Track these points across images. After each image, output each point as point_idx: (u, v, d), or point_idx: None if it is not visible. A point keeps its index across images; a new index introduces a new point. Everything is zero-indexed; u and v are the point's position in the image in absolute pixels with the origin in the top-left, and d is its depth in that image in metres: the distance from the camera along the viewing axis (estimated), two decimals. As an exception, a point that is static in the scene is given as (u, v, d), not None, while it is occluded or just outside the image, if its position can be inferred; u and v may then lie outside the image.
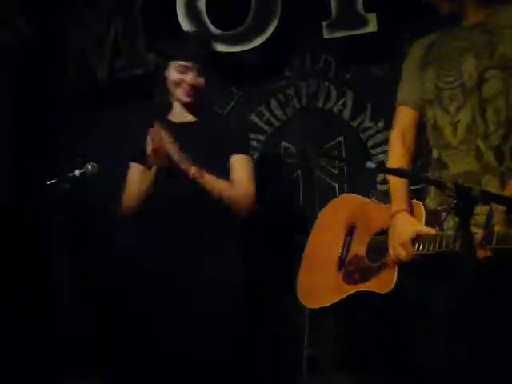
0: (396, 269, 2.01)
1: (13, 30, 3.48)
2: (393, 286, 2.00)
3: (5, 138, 3.55)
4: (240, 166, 2.57)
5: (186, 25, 3.20)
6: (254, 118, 3.28)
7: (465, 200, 1.50)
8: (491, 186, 1.89)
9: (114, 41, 3.44)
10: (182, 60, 2.54)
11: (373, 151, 3.07)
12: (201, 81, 2.57)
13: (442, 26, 2.10)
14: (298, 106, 3.22)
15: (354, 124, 3.12)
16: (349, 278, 2.21)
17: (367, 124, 3.09)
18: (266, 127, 3.26)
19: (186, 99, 2.58)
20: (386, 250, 2.05)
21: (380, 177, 2.98)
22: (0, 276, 3.17)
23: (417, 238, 1.94)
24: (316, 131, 3.13)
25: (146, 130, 2.56)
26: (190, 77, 2.55)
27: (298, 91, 3.21)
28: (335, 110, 3.14)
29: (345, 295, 2.19)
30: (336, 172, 3.11)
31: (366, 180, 3.01)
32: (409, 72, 2.17)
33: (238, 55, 3.16)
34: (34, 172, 3.31)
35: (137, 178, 2.60)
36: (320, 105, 3.17)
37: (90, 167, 2.34)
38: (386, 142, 3.04)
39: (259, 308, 2.97)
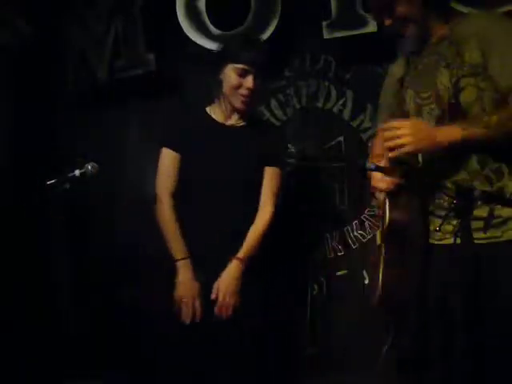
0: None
1: (13, 30, 3.48)
2: None
3: (5, 138, 3.55)
4: (267, 181, 2.57)
5: (185, 25, 3.21)
6: (254, 117, 3.28)
7: (465, 200, 1.50)
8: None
9: (114, 41, 3.44)
10: (243, 63, 2.46)
11: (373, 151, 3.08)
12: (257, 85, 2.50)
13: None
14: (298, 106, 3.22)
15: (354, 124, 3.12)
16: None
17: (367, 124, 3.09)
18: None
19: (242, 106, 2.52)
20: None
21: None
22: (0, 276, 3.17)
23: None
24: (316, 131, 3.14)
25: (181, 120, 2.59)
26: (249, 81, 2.48)
27: (298, 91, 3.21)
28: (335, 109, 3.14)
29: None
30: (336, 172, 3.12)
31: (365, 180, 3.01)
32: (386, 96, 2.26)
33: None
34: (34, 172, 3.30)
35: (170, 163, 2.56)
36: (320, 105, 3.17)
37: (89, 167, 2.34)
38: (385, 141, 3.05)
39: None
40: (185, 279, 2.45)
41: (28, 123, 3.56)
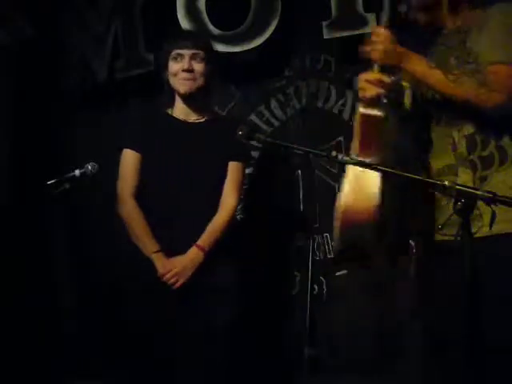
0: None
1: (13, 29, 3.48)
2: None
3: (5, 138, 3.55)
4: (230, 175, 2.61)
5: (185, 25, 3.21)
6: (253, 118, 3.28)
7: (469, 200, 1.51)
8: (464, 177, 1.94)
9: (114, 41, 3.44)
10: (176, 48, 2.55)
11: (373, 151, 3.08)
12: (197, 66, 2.55)
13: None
14: (298, 106, 3.22)
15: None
16: None
17: (367, 124, 3.09)
18: (265, 127, 3.26)
19: (185, 88, 2.56)
20: None
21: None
22: (0, 276, 3.17)
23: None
24: (316, 131, 3.13)
25: (142, 120, 2.64)
26: (184, 63, 2.54)
27: (298, 91, 3.21)
28: (335, 110, 3.14)
29: None
30: (336, 172, 3.12)
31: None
32: None
33: (238, 55, 3.16)
34: (34, 172, 3.31)
35: (132, 164, 2.59)
36: (320, 105, 3.17)
37: (89, 167, 2.34)
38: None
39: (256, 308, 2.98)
40: (162, 265, 2.48)
41: (28, 123, 3.56)
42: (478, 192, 1.52)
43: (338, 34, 2.97)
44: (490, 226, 1.81)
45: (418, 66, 1.97)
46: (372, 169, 1.70)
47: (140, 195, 2.58)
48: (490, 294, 1.83)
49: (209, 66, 2.58)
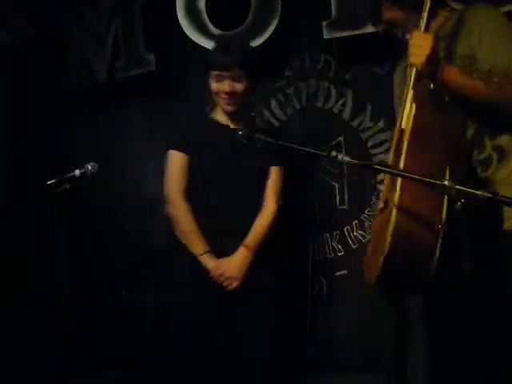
0: None
1: (13, 29, 3.48)
2: None
3: (5, 138, 3.55)
4: (271, 180, 2.67)
5: (185, 25, 3.21)
6: (253, 118, 3.28)
7: (470, 201, 1.50)
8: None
9: (114, 41, 3.44)
10: (216, 69, 2.55)
11: (373, 151, 3.08)
12: (238, 86, 2.56)
13: None
14: (298, 106, 3.22)
15: (354, 124, 3.12)
16: None
17: (367, 124, 3.09)
18: (265, 127, 3.26)
19: (228, 108, 2.61)
20: None
21: (382, 176, 2.97)
22: (0, 276, 3.17)
23: None
24: (316, 131, 3.13)
25: (188, 123, 2.70)
26: (225, 85, 2.55)
27: (298, 91, 3.21)
28: (335, 110, 3.14)
29: None
30: (336, 172, 3.12)
31: (366, 180, 3.02)
32: (396, 103, 2.26)
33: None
34: (34, 172, 3.31)
35: (179, 165, 2.63)
36: (320, 105, 3.17)
37: (89, 167, 2.34)
38: (385, 142, 3.05)
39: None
40: (214, 267, 2.52)
41: (28, 123, 3.56)
42: (478, 192, 1.52)
43: (338, 34, 2.96)
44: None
45: (454, 76, 1.87)
46: (372, 169, 1.69)
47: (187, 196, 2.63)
48: None
49: (249, 80, 2.59)
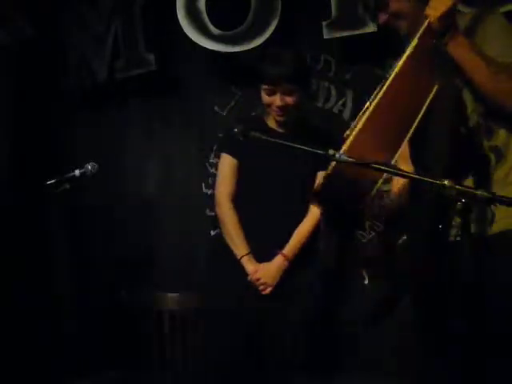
0: None
1: (13, 29, 3.48)
2: None
3: (5, 138, 3.56)
4: None
5: (185, 25, 3.20)
6: (254, 118, 3.28)
7: (470, 201, 1.50)
8: None
9: (114, 41, 3.44)
10: (267, 84, 2.55)
11: (373, 151, 3.07)
12: (289, 100, 2.56)
13: None
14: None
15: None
16: None
17: (367, 124, 3.09)
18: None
19: (280, 119, 2.62)
20: None
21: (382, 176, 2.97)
22: (0, 276, 3.17)
23: None
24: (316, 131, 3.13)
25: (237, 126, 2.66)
26: (277, 99, 2.55)
27: (298, 91, 3.20)
28: (335, 109, 3.14)
29: None
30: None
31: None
32: None
33: (238, 55, 3.16)
34: (34, 172, 3.31)
35: (230, 169, 2.68)
36: (320, 105, 3.17)
37: (89, 167, 2.34)
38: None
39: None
40: (252, 270, 2.58)
41: (28, 123, 3.56)
42: (478, 192, 1.52)
43: (337, 34, 2.96)
44: (490, 224, 1.81)
45: (461, 46, 1.84)
46: (372, 168, 1.69)
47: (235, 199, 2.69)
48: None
49: (300, 92, 2.58)
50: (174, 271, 3.35)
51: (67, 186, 2.26)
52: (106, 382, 3.02)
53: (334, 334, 2.90)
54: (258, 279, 2.56)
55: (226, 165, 2.68)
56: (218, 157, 2.78)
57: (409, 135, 1.78)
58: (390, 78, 1.77)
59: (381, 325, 2.28)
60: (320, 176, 1.94)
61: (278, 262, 2.58)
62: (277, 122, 2.65)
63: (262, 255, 2.60)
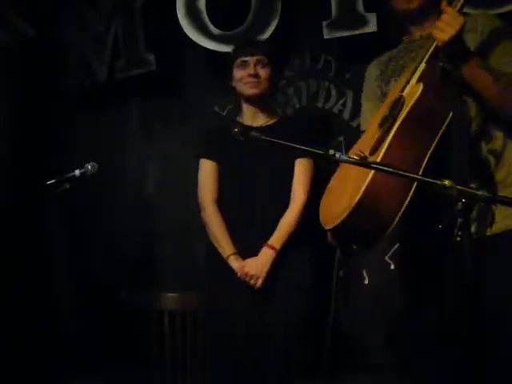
0: None
1: (13, 29, 3.48)
2: None
3: (5, 138, 3.55)
4: (298, 172, 2.71)
5: (185, 24, 3.20)
6: (254, 117, 3.28)
7: (470, 201, 1.50)
8: None
9: (114, 41, 3.44)
10: (241, 56, 2.68)
11: (373, 151, 3.07)
12: (263, 72, 2.68)
13: None
14: (297, 106, 3.21)
15: (354, 124, 3.11)
16: None
17: (367, 124, 3.09)
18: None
19: (252, 91, 2.69)
20: None
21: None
22: (0, 276, 3.17)
23: None
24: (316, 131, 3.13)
25: (215, 130, 2.80)
26: (250, 69, 2.67)
27: (298, 91, 3.21)
28: (335, 109, 3.14)
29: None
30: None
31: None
32: (368, 98, 2.22)
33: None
34: (34, 172, 3.31)
35: (209, 173, 2.75)
36: (320, 105, 3.17)
37: (89, 167, 2.34)
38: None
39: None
40: (239, 267, 2.62)
41: (28, 123, 3.56)
42: (478, 192, 1.52)
43: (338, 34, 2.96)
44: (490, 225, 1.81)
45: (473, 67, 1.83)
46: (371, 168, 1.69)
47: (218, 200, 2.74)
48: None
49: (272, 71, 2.71)
50: (174, 271, 3.35)
51: (67, 186, 2.26)
52: (106, 382, 3.01)
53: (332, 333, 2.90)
54: (246, 273, 2.58)
55: (206, 169, 2.76)
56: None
57: (431, 150, 1.80)
58: (413, 99, 1.80)
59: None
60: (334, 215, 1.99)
61: (263, 254, 2.61)
62: (250, 100, 2.71)
63: (251, 255, 2.62)
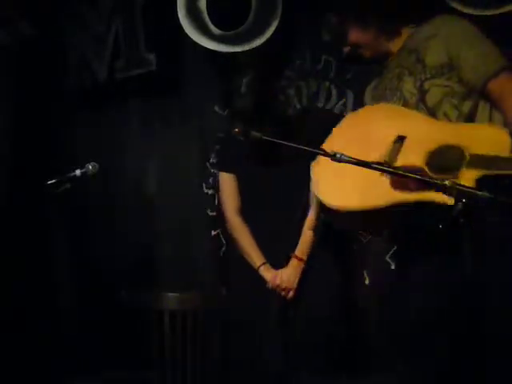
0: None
1: (13, 29, 3.48)
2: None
3: (5, 138, 3.55)
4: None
5: (186, 24, 3.20)
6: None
7: (470, 201, 1.51)
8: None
9: (115, 41, 3.44)
10: None
11: (373, 151, 3.07)
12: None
13: None
14: (298, 106, 3.21)
15: (355, 124, 3.12)
16: (401, 185, 1.88)
17: (367, 124, 3.09)
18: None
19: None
20: (451, 165, 1.85)
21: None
22: (0, 276, 3.17)
23: None
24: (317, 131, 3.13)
25: (231, 141, 2.77)
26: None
27: (299, 91, 3.21)
28: (336, 110, 3.14)
29: (397, 201, 1.87)
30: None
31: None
32: None
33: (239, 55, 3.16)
34: (34, 172, 3.31)
35: (229, 184, 2.78)
36: (321, 105, 3.17)
37: (90, 167, 2.34)
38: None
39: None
40: (271, 278, 2.65)
41: (28, 123, 3.56)
42: (479, 192, 1.52)
43: (338, 34, 2.96)
44: None
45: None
46: (371, 167, 1.69)
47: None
48: None
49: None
50: (174, 271, 3.35)
51: (68, 186, 2.26)
52: (106, 382, 3.01)
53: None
54: (278, 285, 2.62)
55: (226, 181, 2.78)
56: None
57: None
58: None
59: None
60: None
61: (293, 265, 2.64)
62: None
63: (277, 262, 2.65)
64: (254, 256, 2.68)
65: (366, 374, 2.77)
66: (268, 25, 3.08)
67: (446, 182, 1.55)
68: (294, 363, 2.58)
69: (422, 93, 2.01)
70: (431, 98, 2.00)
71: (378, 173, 1.81)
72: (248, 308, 2.64)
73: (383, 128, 2.00)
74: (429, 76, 2.00)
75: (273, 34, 3.07)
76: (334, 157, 1.63)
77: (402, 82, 2.07)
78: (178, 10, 3.22)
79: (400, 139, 1.96)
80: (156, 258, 3.43)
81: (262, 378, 2.58)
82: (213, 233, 3.30)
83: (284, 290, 2.62)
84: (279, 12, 3.06)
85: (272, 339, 2.60)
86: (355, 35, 2.11)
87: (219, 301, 2.87)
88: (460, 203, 1.53)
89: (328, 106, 3.15)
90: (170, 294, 2.95)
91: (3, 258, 3.21)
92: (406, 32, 2.13)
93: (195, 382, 2.83)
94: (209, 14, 3.19)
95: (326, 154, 1.65)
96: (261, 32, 3.08)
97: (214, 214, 3.32)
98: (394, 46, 2.14)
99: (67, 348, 3.31)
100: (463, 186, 1.56)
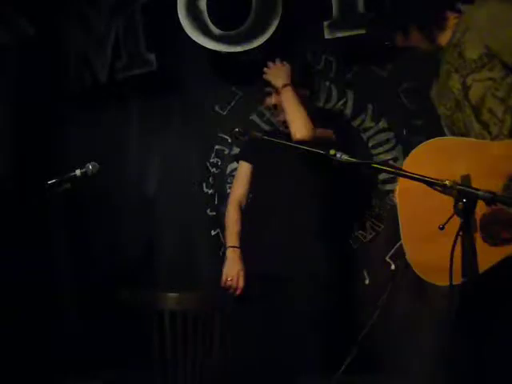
0: None
1: (14, 29, 3.48)
2: None
3: (5, 138, 3.55)
4: None
5: (186, 24, 3.20)
6: (254, 117, 3.28)
7: (470, 201, 1.50)
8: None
9: (115, 41, 3.44)
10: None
11: (373, 151, 3.08)
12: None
13: None
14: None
15: (355, 124, 3.12)
16: (492, 238, 1.77)
17: (368, 124, 3.09)
18: (266, 127, 3.26)
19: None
20: None
21: (383, 176, 2.98)
22: (0, 276, 3.17)
23: None
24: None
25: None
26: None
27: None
28: (336, 110, 3.14)
29: (496, 260, 1.75)
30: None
31: (367, 179, 3.02)
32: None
33: (239, 55, 3.16)
34: (34, 172, 3.31)
35: (243, 173, 2.87)
36: (321, 105, 3.17)
37: (90, 167, 2.33)
38: (386, 141, 3.05)
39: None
40: (230, 261, 2.74)
41: (28, 123, 3.56)
42: (479, 192, 1.52)
43: (338, 34, 2.97)
44: None
45: None
46: (371, 167, 1.69)
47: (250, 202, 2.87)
48: None
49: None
50: (174, 271, 3.35)
51: (68, 186, 2.26)
52: (106, 382, 3.01)
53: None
54: (225, 282, 2.73)
55: (241, 170, 2.88)
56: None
57: None
58: None
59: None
60: None
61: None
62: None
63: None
64: (230, 237, 2.78)
65: (366, 374, 2.78)
66: (268, 24, 3.08)
67: (446, 182, 1.55)
68: (293, 363, 2.58)
69: (466, 89, 1.97)
70: (474, 95, 1.95)
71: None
72: (248, 308, 2.64)
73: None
74: (469, 71, 1.95)
75: (273, 34, 3.07)
76: (334, 157, 1.63)
77: (451, 78, 2.02)
78: (178, 10, 3.22)
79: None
80: (156, 258, 3.43)
81: (262, 377, 2.58)
82: (213, 233, 3.30)
83: (230, 287, 2.71)
84: (279, 12, 3.06)
85: (272, 339, 2.59)
86: (402, 40, 2.08)
87: (219, 301, 2.87)
88: (460, 203, 1.53)
89: (328, 106, 3.16)
90: (170, 294, 2.94)
91: (3, 258, 3.21)
92: (451, 22, 2.04)
93: (195, 382, 2.82)
94: (209, 13, 3.19)
95: (326, 155, 1.64)
96: (261, 32, 3.08)
97: (214, 213, 3.32)
98: (444, 38, 2.06)
99: (67, 348, 3.31)
100: (463, 185, 1.56)
